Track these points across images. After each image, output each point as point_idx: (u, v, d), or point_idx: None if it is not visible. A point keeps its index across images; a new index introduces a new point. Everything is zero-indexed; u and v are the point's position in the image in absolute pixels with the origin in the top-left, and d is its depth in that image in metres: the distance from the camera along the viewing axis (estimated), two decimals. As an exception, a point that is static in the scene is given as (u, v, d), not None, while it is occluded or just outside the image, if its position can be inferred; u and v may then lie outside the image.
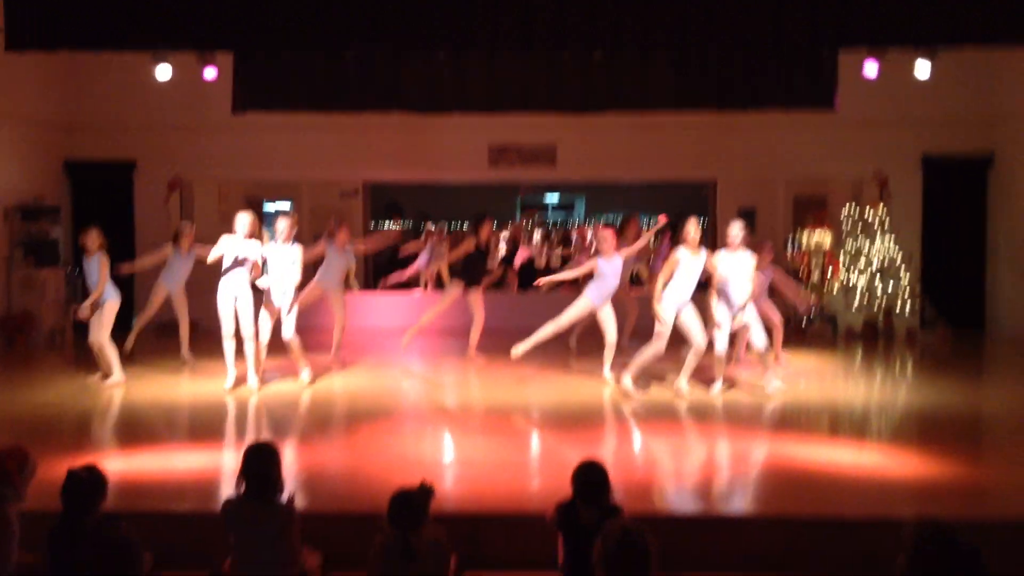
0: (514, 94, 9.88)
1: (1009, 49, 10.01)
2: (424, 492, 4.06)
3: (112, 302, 9.01)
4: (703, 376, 8.60)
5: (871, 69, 10.13)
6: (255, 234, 8.79)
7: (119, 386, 8.83)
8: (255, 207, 17.53)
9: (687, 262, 8.22)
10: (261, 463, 4.25)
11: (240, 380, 8.68)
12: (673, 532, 4.74)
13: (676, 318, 8.24)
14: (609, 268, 8.75)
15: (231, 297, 8.63)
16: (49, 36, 8.73)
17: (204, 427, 7.59)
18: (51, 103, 13.35)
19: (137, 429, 7.53)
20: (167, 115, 13.37)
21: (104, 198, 13.63)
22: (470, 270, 10.39)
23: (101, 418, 8.05)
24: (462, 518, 4.86)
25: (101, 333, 8.89)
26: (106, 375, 9.02)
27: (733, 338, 8.63)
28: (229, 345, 8.73)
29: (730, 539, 4.94)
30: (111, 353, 8.95)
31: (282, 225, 8.74)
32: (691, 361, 8.36)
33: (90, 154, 13.65)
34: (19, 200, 12.55)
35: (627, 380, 8.38)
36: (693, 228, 8.23)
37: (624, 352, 9.34)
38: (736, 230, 8.28)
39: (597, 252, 9.06)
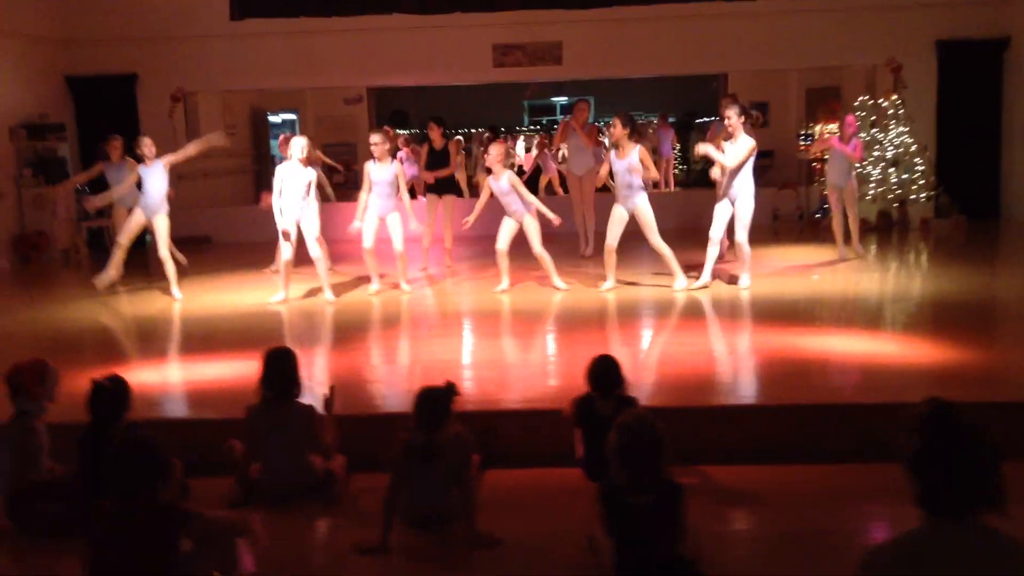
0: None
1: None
2: (448, 391, 4.13)
3: (164, 214, 8.96)
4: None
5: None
6: (311, 159, 8.58)
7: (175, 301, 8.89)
8: (260, 118, 17.46)
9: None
10: (280, 367, 4.32)
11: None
12: (685, 422, 4.82)
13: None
14: (495, 188, 8.44)
15: (294, 221, 8.33)
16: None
17: (235, 337, 7.65)
18: (49, 19, 13.15)
19: (161, 339, 7.64)
20: (167, 26, 13.17)
21: (108, 113, 13.52)
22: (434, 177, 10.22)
23: (129, 331, 8.18)
24: (480, 416, 4.94)
25: (161, 247, 8.92)
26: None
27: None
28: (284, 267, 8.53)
29: (742, 429, 5.01)
30: (169, 269, 8.98)
31: (298, 145, 8.30)
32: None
33: (91, 69, 13.50)
34: (23, 118, 12.48)
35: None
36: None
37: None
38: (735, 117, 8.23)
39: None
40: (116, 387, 4.29)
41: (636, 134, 8.43)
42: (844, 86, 15.51)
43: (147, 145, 8.92)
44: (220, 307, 8.74)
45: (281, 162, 8.71)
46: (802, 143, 14.50)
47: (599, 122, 19.12)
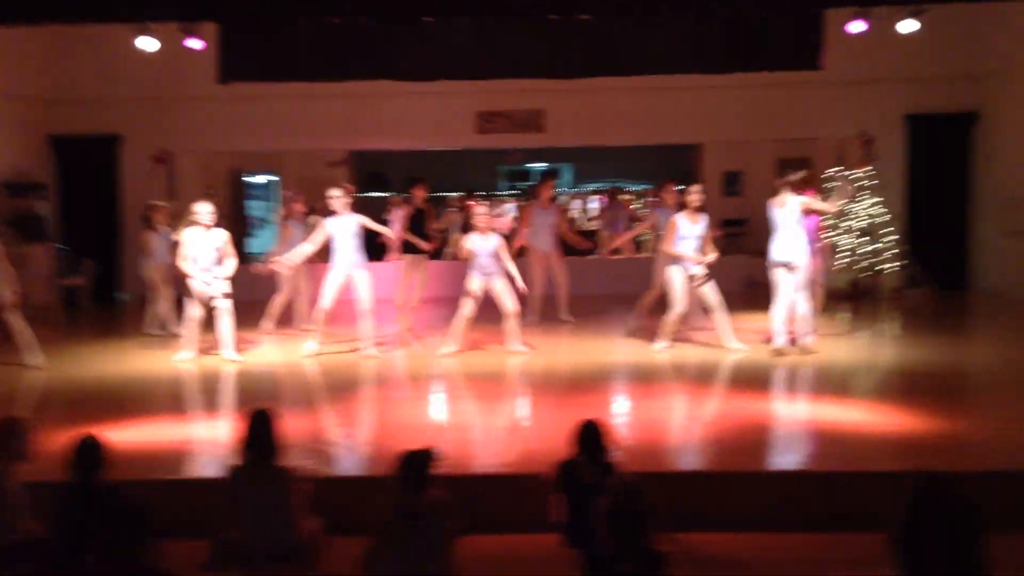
0: (502, 61, 9.91)
1: (993, 3, 9.99)
2: (431, 454, 4.13)
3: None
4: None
5: (857, 26, 10.18)
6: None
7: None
8: (238, 180, 17.54)
9: (686, 227, 8.61)
10: (262, 427, 4.31)
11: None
12: (670, 488, 4.84)
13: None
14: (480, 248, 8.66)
15: (345, 275, 8.64)
16: (30, 9, 8.63)
17: (208, 398, 7.64)
18: (34, 78, 13.23)
19: (137, 401, 7.57)
20: (152, 87, 13.26)
21: (90, 173, 13.56)
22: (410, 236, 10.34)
23: (106, 390, 8.10)
24: (460, 480, 4.92)
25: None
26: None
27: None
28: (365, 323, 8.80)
29: (724, 496, 5.04)
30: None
31: (205, 211, 8.54)
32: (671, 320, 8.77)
33: (75, 128, 13.56)
34: (4, 176, 12.48)
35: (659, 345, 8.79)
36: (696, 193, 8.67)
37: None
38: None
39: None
40: (95, 445, 4.25)
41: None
42: (816, 157, 15.86)
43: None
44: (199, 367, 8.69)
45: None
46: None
47: (577, 189, 19.44)
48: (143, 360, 9.02)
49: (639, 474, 4.20)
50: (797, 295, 8.46)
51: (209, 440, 6.15)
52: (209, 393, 7.78)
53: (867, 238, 12.15)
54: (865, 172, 12.80)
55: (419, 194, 10.21)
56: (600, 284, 13.27)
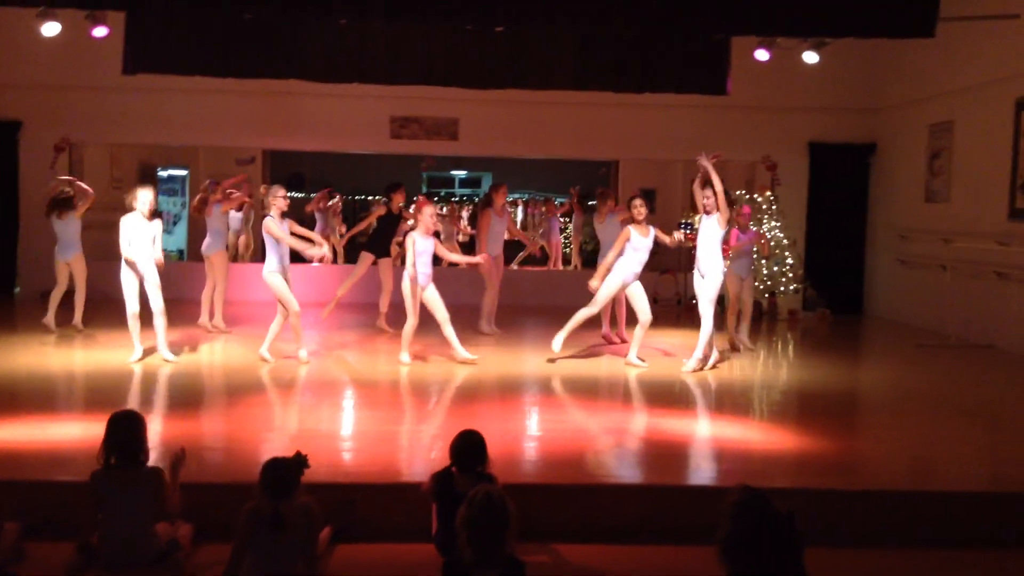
0: (414, 66, 9.91)
1: (888, 39, 10.41)
2: (297, 461, 4.11)
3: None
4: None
5: (762, 55, 10.53)
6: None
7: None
8: (149, 172, 17.14)
9: (636, 239, 8.72)
10: (125, 431, 4.23)
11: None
12: (540, 500, 4.91)
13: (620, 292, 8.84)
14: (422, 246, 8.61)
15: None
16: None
17: (92, 397, 7.44)
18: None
19: (17, 399, 7.32)
20: (55, 74, 12.89)
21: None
22: (380, 240, 10.59)
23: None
24: (337, 488, 4.91)
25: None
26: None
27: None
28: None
29: (593, 507, 5.11)
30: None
31: (144, 198, 8.35)
32: (639, 334, 8.85)
33: (-29, 112, 13.06)
34: None
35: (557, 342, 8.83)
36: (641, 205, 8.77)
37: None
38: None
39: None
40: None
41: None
42: (725, 179, 16.25)
43: None
44: (84, 364, 8.47)
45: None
46: (683, 231, 15.07)
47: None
48: (38, 356, 8.76)
49: (511, 485, 4.26)
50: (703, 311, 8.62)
51: (85, 441, 5.98)
52: (102, 393, 7.54)
53: (765, 260, 12.49)
54: (766, 196, 13.19)
55: (397, 199, 10.53)
56: (526, 295, 13.47)
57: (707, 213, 8.64)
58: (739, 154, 14.20)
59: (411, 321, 8.57)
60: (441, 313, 8.63)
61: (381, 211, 10.70)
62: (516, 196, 21.38)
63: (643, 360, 8.89)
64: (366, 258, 10.60)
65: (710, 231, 8.57)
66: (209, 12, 9.15)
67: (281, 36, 9.77)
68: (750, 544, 2.45)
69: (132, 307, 8.29)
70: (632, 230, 8.76)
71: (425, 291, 8.56)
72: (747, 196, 13.50)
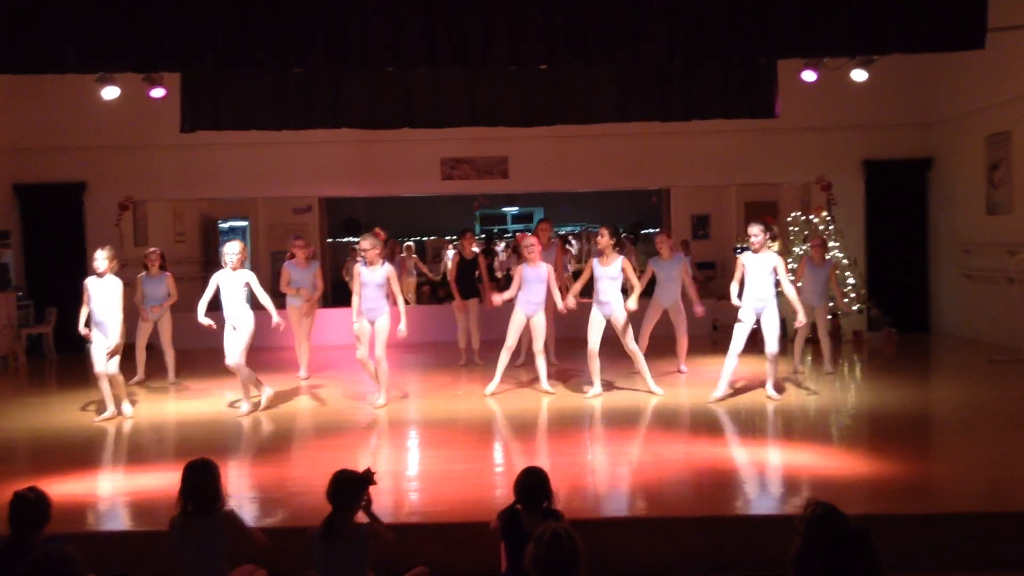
0: (460, 109, 10.03)
1: (937, 52, 10.25)
2: (364, 476, 4.22)
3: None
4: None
5: (809, 76, 10.44)
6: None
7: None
8: (210, 225, 17.58)
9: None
10: (200, 478, 4.31)
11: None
12: (609, 535, 4.87)
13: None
14: (533, 274, 8.94)
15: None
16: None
17: (177, 447, 7.60)
18: (-1, 126, 13.26)
19: (88, 451, 7.50)
20: (116, 135, 13.35)
21: (55, 221, 13.54)
22: (462, 283, 11.16)
23: (61, 440, 8.02)
24: (416, 528, 4.94)
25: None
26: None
27: None
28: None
29: (666, 540, 5.05)
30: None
31: (232, 250, 8.55)
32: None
33: (39, 177, 13.57)
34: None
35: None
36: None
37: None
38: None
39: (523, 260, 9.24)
40: (36, 498, 4.22)
41: (619, 245, 9.28)
42: (780, 201, 16.14)
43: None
44: (164, 415, 8.67)
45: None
46: (738, 255, 14.94)
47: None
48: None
49: (577, 521, 4.24)
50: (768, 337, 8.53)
51: (156, 490, 6.11)
52: (164, 443, 7.72)
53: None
54: (822, 217, 13.02)
55: (467, 244, 11.21)
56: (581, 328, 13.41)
57: (755, 252, 8.59)
58: (792, 176, 14.09)
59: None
60: (538, 343, 9.04)
61: (456, 258, 11.35)
62: (567, 229, 21.41)
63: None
64: (457, 301, 11.17)
65: (761, 266, 8.56)
66: (258, 69, 9.38)
67: (328, 87, 9.97)
68: (823, 560, 2.40)
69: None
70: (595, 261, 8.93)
71: (531, 319, 8.96)
72: (803, 217, 13.35)
